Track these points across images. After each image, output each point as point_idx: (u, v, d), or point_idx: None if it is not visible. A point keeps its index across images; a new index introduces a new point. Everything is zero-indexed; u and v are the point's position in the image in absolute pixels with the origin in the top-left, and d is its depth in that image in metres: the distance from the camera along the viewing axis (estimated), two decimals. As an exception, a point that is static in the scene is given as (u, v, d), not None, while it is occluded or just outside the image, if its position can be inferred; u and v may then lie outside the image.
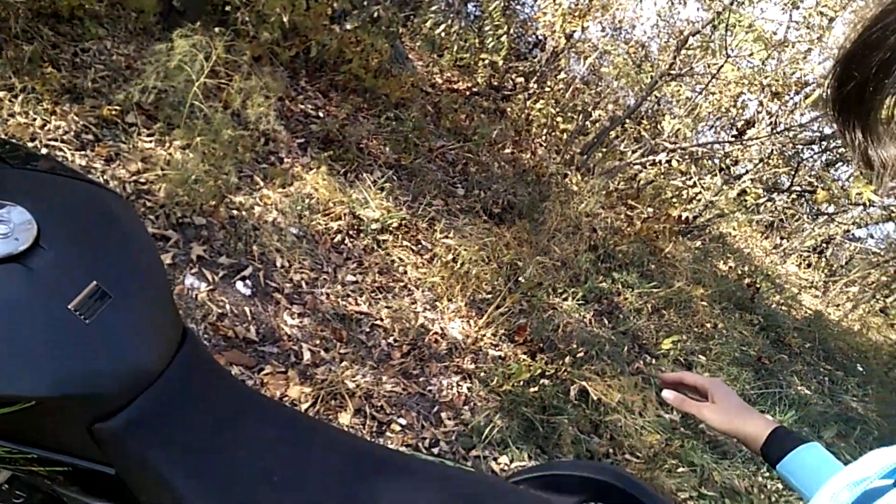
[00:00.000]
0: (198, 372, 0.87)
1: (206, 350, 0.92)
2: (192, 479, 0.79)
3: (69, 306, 0.74)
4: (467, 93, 5.12)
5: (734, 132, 6.12)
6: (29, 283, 0.74)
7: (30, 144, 2.35)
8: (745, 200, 7.91)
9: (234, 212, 2.68)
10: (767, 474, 3.60)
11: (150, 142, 2.68)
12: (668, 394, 0.99)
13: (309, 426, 0.93)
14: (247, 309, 2.34)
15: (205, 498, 0.79)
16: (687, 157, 4.91)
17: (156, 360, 0.82)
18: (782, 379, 4.63)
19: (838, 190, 4.66)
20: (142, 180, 2.53)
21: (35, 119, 2.45)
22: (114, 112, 2.63)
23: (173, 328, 0.87)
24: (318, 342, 2.39)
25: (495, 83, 5.46)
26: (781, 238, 8.47)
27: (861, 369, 5.87)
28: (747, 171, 5.22)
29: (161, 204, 2.47)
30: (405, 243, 3.14)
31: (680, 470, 3.06)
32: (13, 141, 1.58)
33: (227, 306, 2.30)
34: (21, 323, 0.72)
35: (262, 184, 2.93)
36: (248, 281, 2.43)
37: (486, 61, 5.24)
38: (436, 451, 2.36)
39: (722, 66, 4.55)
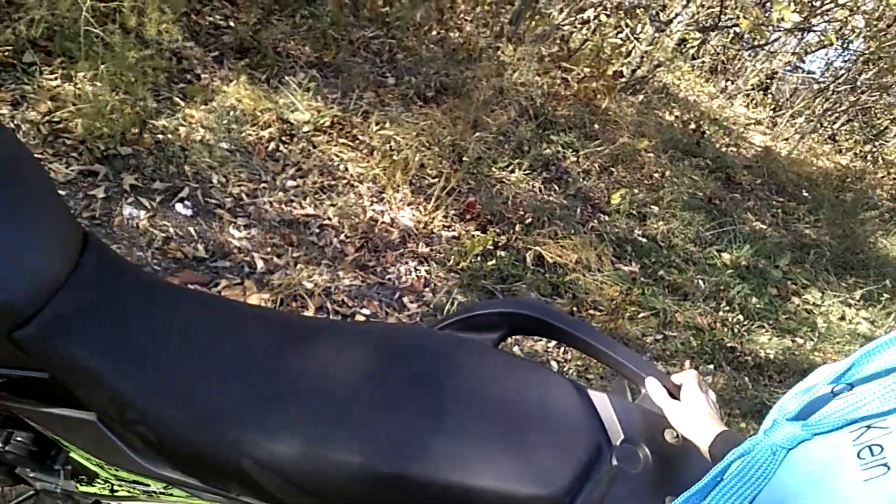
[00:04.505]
0: (105, 270, 0.88)
1: (110, 249, 0.93)
2: (118, 366, 0.82)
3: None
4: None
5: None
6: None
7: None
8: (685, 48, 7.85)
9: (160, 136, 2.62)
10: (728, 308, 3.78)
11: (55, 79, 2.56)
12: (651, 381, 1.02)
13: (222, 306, 0.96)
14: (191, 229, 2.33)
15: (132, 378, 0.82)
16: (615, 9, 4.82)
17: (60, 264, 0.83)
18: (735, 217, 4.78)
19: (760, 16, 4.62)
20: (55, 119, 2.43)
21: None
22: (7, 53, 2.49)
23: (73, 234, 0.88)
24: (269, 250, 2.41)
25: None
26: (726, 80, 8.46)
27: (811, 197, 6.05)
28: (677, 15, 5.15)
29: (81, 140, 2.39)
30: (341, 140, 3.10)
31: (642, 316, 3.20)
32: None
33: (171, 229, 2.29)
34: None
35: (182, 104, 2.84)
36: (186, 202, 2.41)
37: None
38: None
39: None
